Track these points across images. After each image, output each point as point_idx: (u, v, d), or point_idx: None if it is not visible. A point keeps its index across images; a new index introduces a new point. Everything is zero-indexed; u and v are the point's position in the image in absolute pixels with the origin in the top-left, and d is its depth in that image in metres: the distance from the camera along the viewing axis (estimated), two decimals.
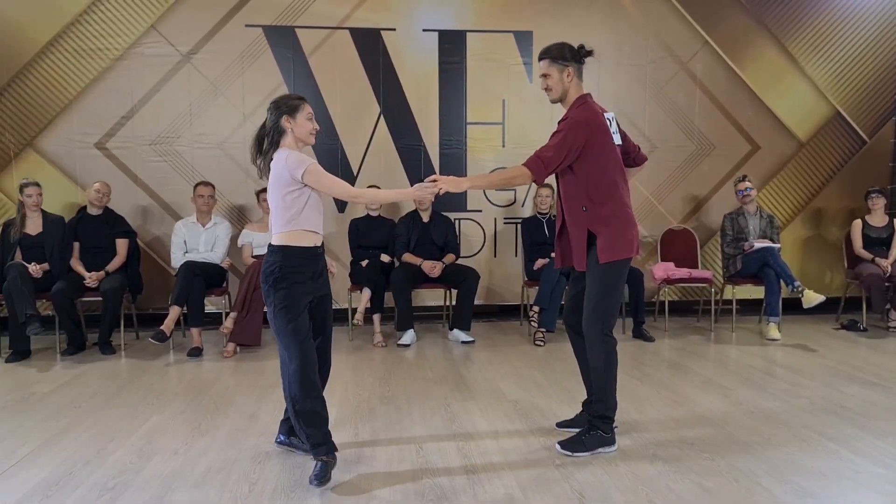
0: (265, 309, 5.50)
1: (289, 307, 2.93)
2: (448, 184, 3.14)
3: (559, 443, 3.29)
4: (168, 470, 3.09)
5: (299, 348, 2.94)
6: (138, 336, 5.91)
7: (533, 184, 3.23)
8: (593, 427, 3.27)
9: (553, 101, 3.30)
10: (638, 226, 3.30)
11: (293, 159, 2.92)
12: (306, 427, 2.96)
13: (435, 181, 3.15)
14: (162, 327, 5.14)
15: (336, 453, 3.01)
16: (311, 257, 3.02)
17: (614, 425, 3.33)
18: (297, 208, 2.95)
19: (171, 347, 5.46)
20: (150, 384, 4.50)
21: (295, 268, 2.96)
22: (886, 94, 6.95)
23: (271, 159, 2.99)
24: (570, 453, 3.22)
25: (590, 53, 3.24)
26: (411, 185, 6.18)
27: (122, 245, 5.63)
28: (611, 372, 3.25)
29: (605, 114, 3.22)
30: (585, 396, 3.55)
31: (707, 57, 6.73)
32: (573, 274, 3.43)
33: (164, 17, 6.15)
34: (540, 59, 3.26)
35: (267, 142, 3.01)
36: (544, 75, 3.24)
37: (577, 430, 3.36)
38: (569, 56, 3.20)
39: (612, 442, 3.28)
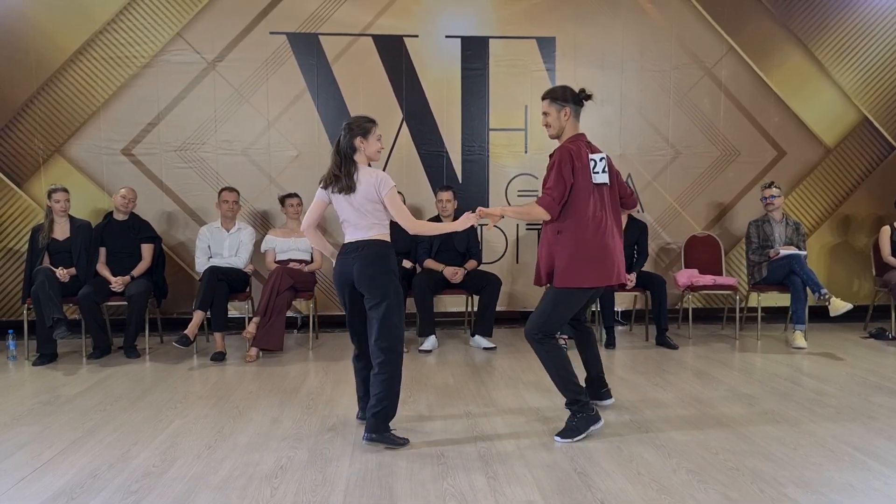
0: (289, 314, 5.61)
1: (402, 300, 3.50)
2: (486, 211, 3.60)
3: (556, 435, 3.52)
4: (191, 473, 3.12)
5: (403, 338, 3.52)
6: (163, 340, 5.97)
7: (551, 217, 3.55)
8: (576, 411, 3.53)
9: (551, 137, 3.63)
10: (615, 257, 3.55)
11: (382, 177, 3.43)
12: (394, 403, 3.45)
13: (476, 210, 3.60)
14: (186, 332, 5.19)
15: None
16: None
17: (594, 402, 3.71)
18: (384, 216, 3.48)
19: (195, 352, 5.51)
20: (173, 388, 4.54)
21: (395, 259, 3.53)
22: None
23: (352, 175, 3.41)
24: (569, 440, 3.48)
25: (589, 97, 3.57)
26: (433, 191, 6.28)
27: (147, 250, 5.70)
28: (558, 364, 3.52)
29: (594, 154, 3.49)
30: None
31: (732, 62, 6.67)
32: None
33: (189, 25, 6.23)
34: (542, 98, 3.60)
35: (344, 159, 3.43)
36: (545, 113, 3.59)
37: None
38: (569, 98, 3.53)
39: (598, 419, 3.57)
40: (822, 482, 2.99)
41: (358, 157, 3.46)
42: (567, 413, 3.60)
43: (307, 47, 6.35)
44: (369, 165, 3.53)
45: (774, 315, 6.62)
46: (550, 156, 3.55)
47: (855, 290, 6.87)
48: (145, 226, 5.79)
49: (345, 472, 3.13)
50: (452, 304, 6.53)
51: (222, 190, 5.84)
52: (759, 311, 6.10)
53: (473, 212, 3.59)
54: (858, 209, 6.91)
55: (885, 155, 6.88)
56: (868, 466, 3.16)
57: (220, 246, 5.75)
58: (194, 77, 6.27)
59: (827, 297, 5.46)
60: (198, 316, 5.30)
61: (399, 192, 6.00)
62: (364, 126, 3.46)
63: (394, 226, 3.51)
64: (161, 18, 6.21)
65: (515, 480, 3.03)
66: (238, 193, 5.88)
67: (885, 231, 6.27)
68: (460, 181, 6.51)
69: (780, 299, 6.19)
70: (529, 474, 3.09)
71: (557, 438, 3.50)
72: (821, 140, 6.81)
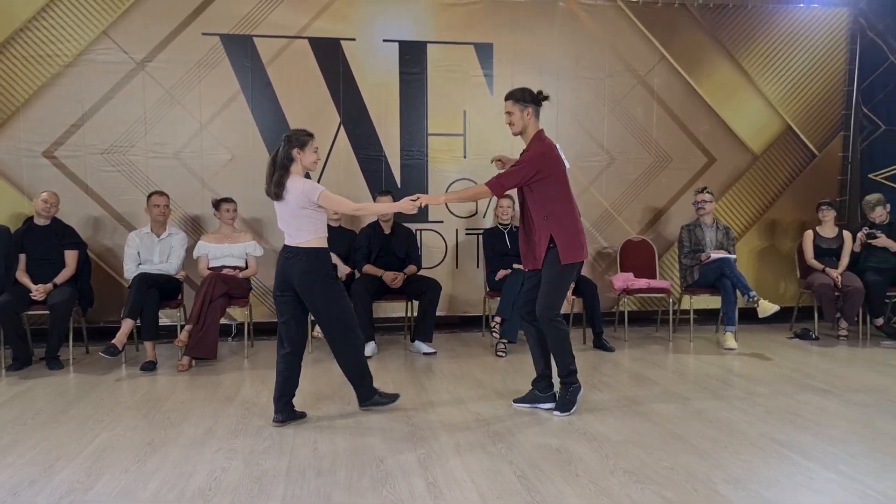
0: (223, 321, 5.46)
1: (344, 292, 3.90)
2: (427, 199, 3.97)
3: (555, 411, 3.95)
4: (118, 488, 2.99)
5: (357, 324, 3.92)
6: (88, 350, 5.72)
7: (494, 196, 4.02)
8: (568, 384, 3.96)
9: (514, 134, 4.00)
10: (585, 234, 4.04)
11: (309, 186, 3.70)
12: (368, 378, 4.03)
13: (418, 197, 3.84)
14: (114, 341, 4.98)
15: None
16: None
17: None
18: (320, 222, 3.76)
19: (124, 361, 5.30)
20: (100, 399, 4.35)
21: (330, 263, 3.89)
22: (834, 110, 7.15)
23: (283, 184, 3.68)
24: (568, 413, 3.92)
25: (546, 98, 3.93)
26: (372, 196, 6.23)
27: (71, 257, 5.45)
28: (565, 340, 3.93)
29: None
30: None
31: (664, 71, 6.85)
32: (527, 273, 4.06)
33: (116, 23, 6.02)
34: (505, 99, 3.94)
35: (278, 168, 3.70)
36: (508, 112, 3.92)
37: (532, 403, 4.11)
38: (528, 99, 3.89)
39: (581, 386, 4.03)
40: (752, 479, 3.07)
41: (294, 168, 3.74)
42: (547, 391, 4.05)
43: (241, 49, 6.21)
44: (307, 175, 3.85)
45: (706, 317, 6.81)
46: (523, 153, 3.95)
47: (781, 292, 7.13)
48: (69, 231, 5.54)
49: (281, 482, 3.05)
50: (392, 309, 6.49)
51: (152, 194, 5.65)
52: (692, 313, 6.26)
53: (415, 200, 3.81)
54: (784, 214, 7.18)
55: (808, 162, 7.17)
56: (794, 462, 3.27)
57: (151, 252, 5.55)
58: (122, 77, 6.05)
59: (756, 299, 5.65)
60: (127, 324, 5.10)
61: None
62: (301, 139, 3.74)
63: (332, 231, 3.62)
64: (86, 16, 5.97)
65: (455, 486, 3.01)
66: (168, 197, 5.69)
67: (809, 235, 6.52)
68: (399, 186, 6.48)
69: (712, 302, 6.36)
70: (469, 479, 3.08)
71: (557, 413, 3.91)
72: (748, 147, 7.06)
